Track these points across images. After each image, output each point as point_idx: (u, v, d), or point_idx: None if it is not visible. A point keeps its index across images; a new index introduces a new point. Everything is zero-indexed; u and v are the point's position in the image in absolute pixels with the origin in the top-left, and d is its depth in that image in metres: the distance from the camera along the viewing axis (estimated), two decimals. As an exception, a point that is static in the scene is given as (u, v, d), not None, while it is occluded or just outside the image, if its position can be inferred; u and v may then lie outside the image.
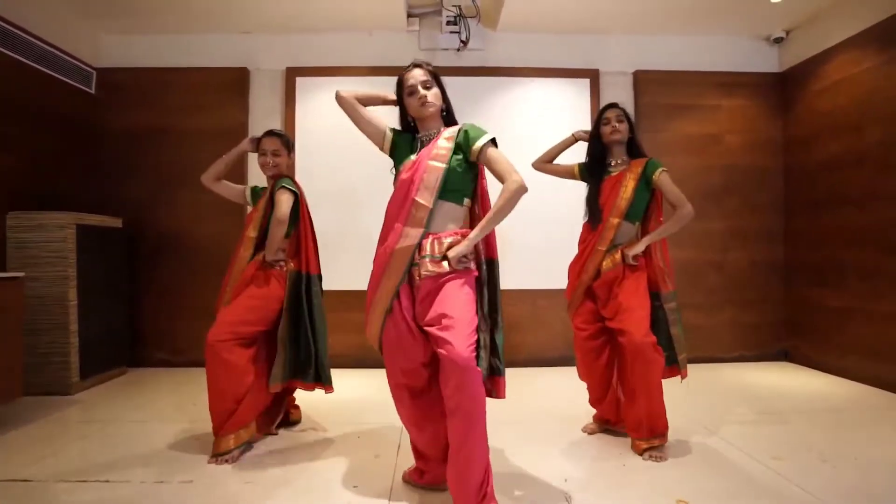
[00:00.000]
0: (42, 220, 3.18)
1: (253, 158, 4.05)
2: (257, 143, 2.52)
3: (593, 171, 2.50)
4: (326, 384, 2.44)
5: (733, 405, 2.99)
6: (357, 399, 3.14)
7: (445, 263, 1.70)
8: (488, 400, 1.68)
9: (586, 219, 2.51)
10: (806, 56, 3.99)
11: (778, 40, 4.24)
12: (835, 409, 2.91)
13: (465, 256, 1.70)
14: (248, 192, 2.63)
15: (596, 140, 2.49)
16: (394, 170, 1.90)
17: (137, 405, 3.01)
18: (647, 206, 2.42)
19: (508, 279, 3.94)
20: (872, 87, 3.41)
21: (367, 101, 1.92)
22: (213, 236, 3.99)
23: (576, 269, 2.50)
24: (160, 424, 2.66)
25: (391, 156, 1.91)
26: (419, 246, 1.73)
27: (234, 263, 2.44)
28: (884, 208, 3.33)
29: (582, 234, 2.55)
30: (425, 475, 1.93)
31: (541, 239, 3.96)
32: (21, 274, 2.72)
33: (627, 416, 2.33)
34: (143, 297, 4.03)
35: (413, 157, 1.81)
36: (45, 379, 3.13)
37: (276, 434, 2.53)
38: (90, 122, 3.99)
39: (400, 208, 1.76)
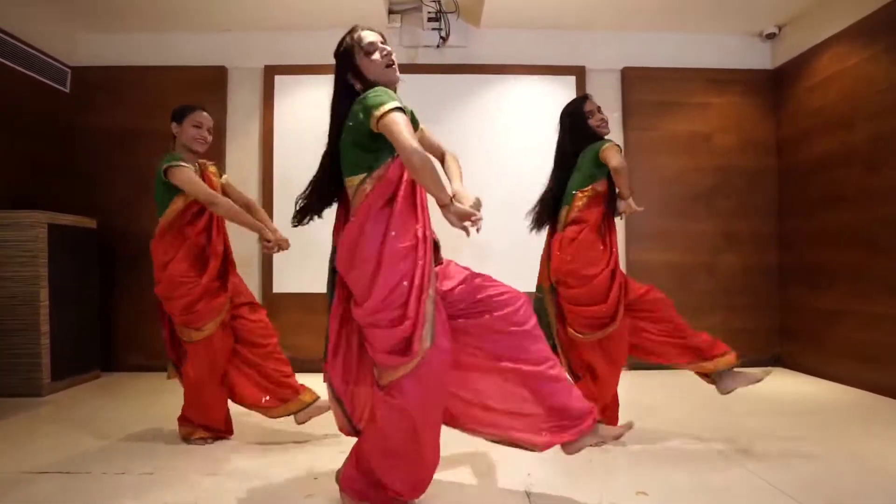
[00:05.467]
0: (15, 219, 3.35)
1: (232, 150, 4.25)
2: (189, 113, 2.55)
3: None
4: None
5: (710, 406, 3.08)
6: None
7: None
8: None
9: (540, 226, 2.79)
10: (797, 52, 4.13)
11: (770, 36, 4.38)
12: (818, 412, 3.03)
13: None
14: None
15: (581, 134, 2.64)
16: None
17: (110, 408, 3.14)
18: None
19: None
20: (860, 83, 3.55)
21: None
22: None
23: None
24: (129, 424, 2.79)
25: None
26: None
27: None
28: (872, 207, 3.46)
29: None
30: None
31: (518, 245, 4.03)
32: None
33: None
34: (118, 300, 4.19)
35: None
36: (16, 380, 3.28)
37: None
38: (65, 121, 4.17)
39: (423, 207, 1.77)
